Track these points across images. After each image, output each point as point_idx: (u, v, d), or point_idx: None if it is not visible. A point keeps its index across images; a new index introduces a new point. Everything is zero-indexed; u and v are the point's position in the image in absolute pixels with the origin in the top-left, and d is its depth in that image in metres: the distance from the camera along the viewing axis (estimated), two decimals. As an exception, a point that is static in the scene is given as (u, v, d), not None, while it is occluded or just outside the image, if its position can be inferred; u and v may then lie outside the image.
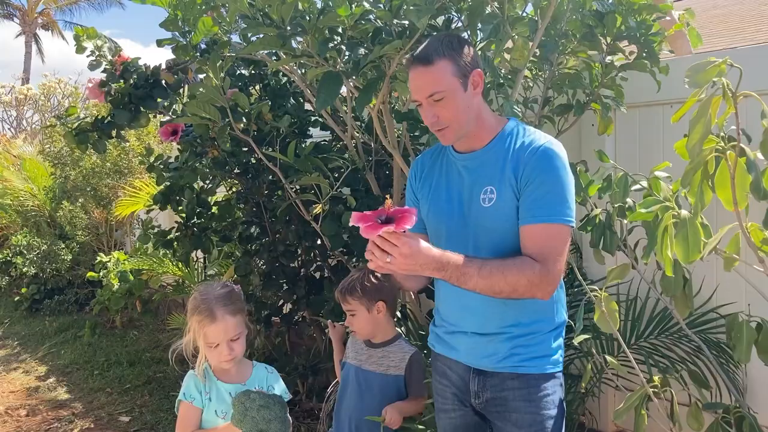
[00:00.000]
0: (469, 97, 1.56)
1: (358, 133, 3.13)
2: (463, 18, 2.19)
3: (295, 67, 2.87)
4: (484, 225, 1.59)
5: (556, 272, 1.50)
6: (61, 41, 28.60)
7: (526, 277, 1.47)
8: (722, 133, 1.28)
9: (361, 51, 2.17)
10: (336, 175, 2.97)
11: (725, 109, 1.26)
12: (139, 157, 4.94)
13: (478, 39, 2.17)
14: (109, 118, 2.76)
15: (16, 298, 7.31)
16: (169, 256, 4.66)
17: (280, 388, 2.09)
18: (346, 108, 3.02)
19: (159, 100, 2.71)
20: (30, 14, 26.72)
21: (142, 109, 2.77)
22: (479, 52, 2.12)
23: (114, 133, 2.86)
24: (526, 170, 1.52)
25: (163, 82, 2.82)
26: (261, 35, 2.21)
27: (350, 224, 1.40)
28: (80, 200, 6.86)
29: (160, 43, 2.47)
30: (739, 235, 1.53)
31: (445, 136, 1.60)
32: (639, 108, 2.83)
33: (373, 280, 2.26)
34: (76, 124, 2.83)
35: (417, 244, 1.40)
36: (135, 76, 2.71)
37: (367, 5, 2.07)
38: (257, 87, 3.51)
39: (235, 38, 2.75)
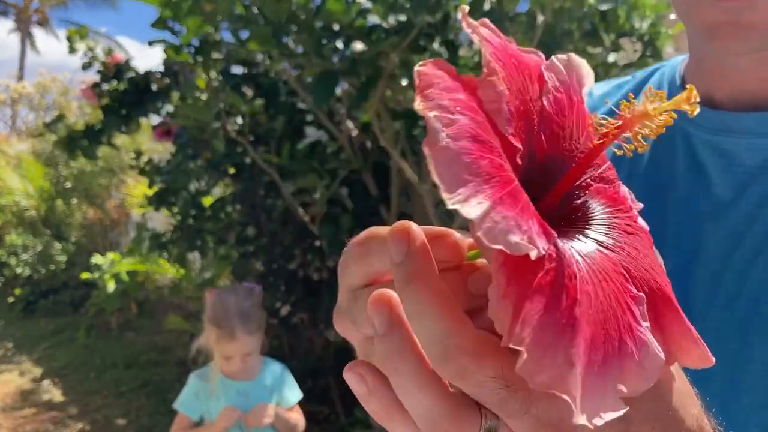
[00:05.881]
0: None
1: (354, 133, 3.08)
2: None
3: (288, 67, 2.83)
4: None
5: None
6: (58, 39, 28.47)
7: None
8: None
9: (358, 47, 2.13)
10: (331, 177, 2.93)
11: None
12: (132, 159, 4.93)
13: None
14: (100, 125, 2.78)
15: (10, 300, 7.26)
16: (166, 256, 4.63)
17: (292, 388, 2.11)
18: (341, 107, 2.98)
19: (149, 106, 2.73)
20: (25, 12, 26.59)
21: (133, 115, 2.79)
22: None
23: (105, 139, 2.89)
24: None
25: (154, 87, 2.82)
26: (254, 33, 2.17)
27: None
28: (74, 200, 6.82)
29: (151, 43, 2.46)
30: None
31: (742, 29, 0.54)
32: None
33: None
34: (67, 132, 2.86)
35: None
36: (126, 80, 2.72)
37: (364, 1, 2.04)
38: (251, 87, 3.47)
39: (227, 36, 2.72)
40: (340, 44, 2.17)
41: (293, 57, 2.25)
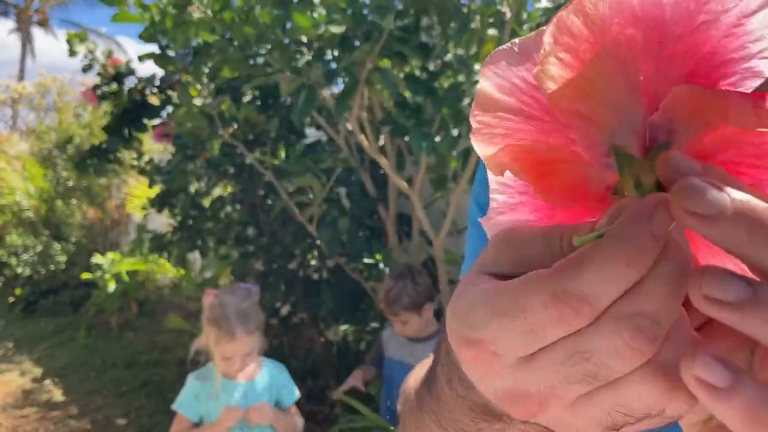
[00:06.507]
0: None
1: (350, 132, 3.09)
2: (431, 17, 2.16)
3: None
4: None
5: None
6: (57, 39, 28.46)
7: None
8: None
9: (330, 56, 2.14)
10: (328, 177, 2.94)
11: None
12: (133, 159, 4.93)
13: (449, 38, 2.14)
14: (104, 144, 2.85)
15: (11, 300, 7.27)
16: (166, 257, 4.63)
17: (291, 388, 2.12)
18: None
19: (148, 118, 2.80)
20: (25, 12, 26.58)
21: (132, 131, 2.85)
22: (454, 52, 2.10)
23: (111, 156, 2.97)
24: None
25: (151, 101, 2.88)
26: (226, 59, 2.19)
27: None
28: (74, 200, 6.82)
29: (141, 58, 2.47)
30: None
31: None
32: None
33: (416, 286, 2.32)
34: (77, 153, 2.95)
35: None
36: (125, 96, 2.78)
37: (324, 12, 2.04)
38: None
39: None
40: (309, 57, 2.17)
41: (268, 75, 2.25)
